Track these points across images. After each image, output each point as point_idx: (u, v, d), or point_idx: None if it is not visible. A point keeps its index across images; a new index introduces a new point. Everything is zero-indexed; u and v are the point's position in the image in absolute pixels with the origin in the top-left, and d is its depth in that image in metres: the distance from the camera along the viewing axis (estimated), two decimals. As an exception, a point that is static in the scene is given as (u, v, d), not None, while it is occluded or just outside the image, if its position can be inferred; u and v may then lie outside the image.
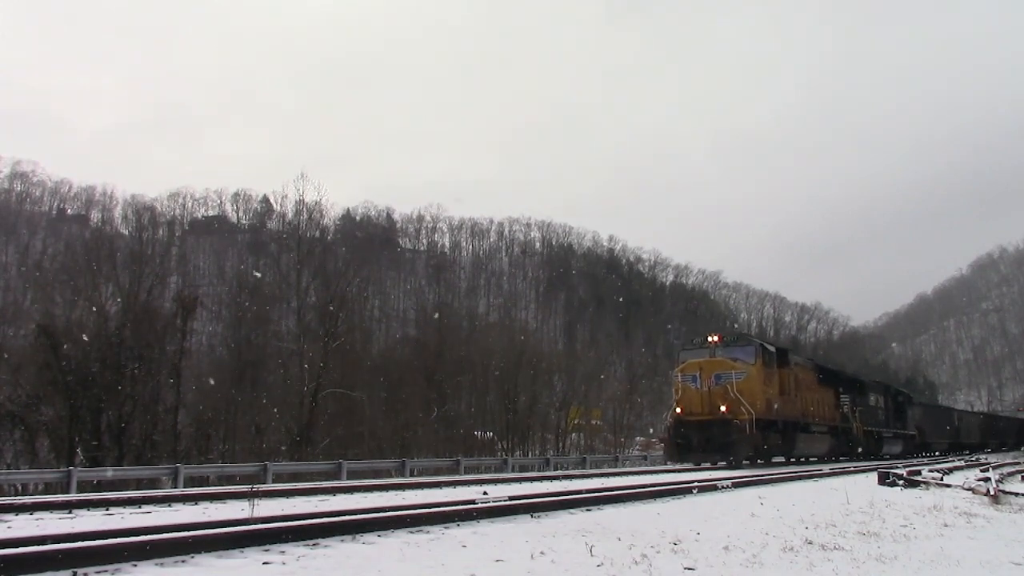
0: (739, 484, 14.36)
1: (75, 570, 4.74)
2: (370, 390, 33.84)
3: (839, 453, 31.61)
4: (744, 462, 23.18)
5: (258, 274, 53.05)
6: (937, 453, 47.66)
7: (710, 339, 25.40)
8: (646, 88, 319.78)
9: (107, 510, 9.12)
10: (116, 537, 5.65)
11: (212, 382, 31.86)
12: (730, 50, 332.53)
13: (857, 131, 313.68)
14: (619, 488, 12.24)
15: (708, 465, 23.31)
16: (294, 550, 5.80)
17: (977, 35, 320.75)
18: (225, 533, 5.93)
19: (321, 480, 19.98)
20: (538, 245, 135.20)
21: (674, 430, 23.58)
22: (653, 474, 19.25)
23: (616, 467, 30.88)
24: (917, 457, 39.43)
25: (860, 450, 33.53)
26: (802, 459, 29.45)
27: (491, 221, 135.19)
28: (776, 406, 24.75)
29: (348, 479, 20.41)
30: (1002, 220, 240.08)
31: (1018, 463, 29.03)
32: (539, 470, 28.23)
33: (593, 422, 46.04)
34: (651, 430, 44.72)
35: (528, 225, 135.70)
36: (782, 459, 27.71)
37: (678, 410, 23.72)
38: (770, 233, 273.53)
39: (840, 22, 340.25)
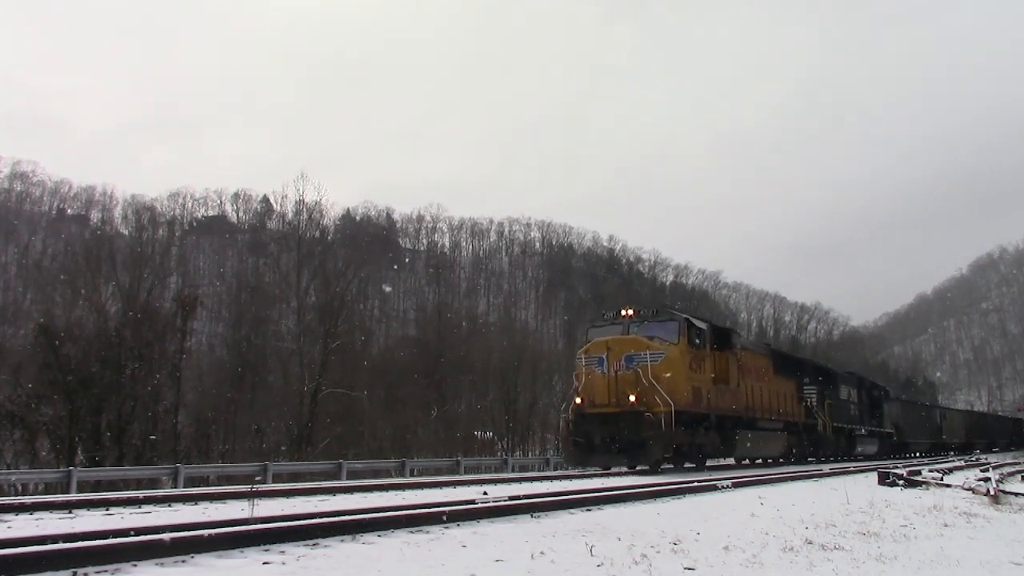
0: (739, 484, 14.38)
1: (75, 570, 4.73)
2: (370, 390, 33.88)
3: (801, 454, 27.23)
4: (667, 465, 19.35)
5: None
6: (917, 454, 44.01)
7: (623, 313, 20.38)
8: (646, 88, 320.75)
9: (107, 510, 9.10)
10: (116, 537, 5.65)
11: (212, 382, 31.92)
12: (729, 50, 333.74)
13: (857, 131, 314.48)
14: (619, 488, 12.22)
15: (624, 469, 19.16)
16: (294, 550, 5.78)
17: (977, 34, 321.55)
18: (225, 533, 5.92)
19: (321, 480, 19.98)
20: (538, 245, 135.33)
21: (574, 426, 19.10)
22: (652, 474, 19.21)
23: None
24: (895, 459, 35.55)
25: (828, 450, 29.85)
26: (757, 460, 25.86)
27: (491, 221, 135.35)
28: (708, 396, 20.34)
29: (348, 479, 20.42)
30: (1002, 220, 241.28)
31: (1018, 463, 28.97)
32: (539, 470, 28.24)
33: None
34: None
35: (528, 225, 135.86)
36: (731, 462, 24.48)
37: (578, 400, 19.22)
38: (770, 233, 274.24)
39: (839, 21, 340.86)
